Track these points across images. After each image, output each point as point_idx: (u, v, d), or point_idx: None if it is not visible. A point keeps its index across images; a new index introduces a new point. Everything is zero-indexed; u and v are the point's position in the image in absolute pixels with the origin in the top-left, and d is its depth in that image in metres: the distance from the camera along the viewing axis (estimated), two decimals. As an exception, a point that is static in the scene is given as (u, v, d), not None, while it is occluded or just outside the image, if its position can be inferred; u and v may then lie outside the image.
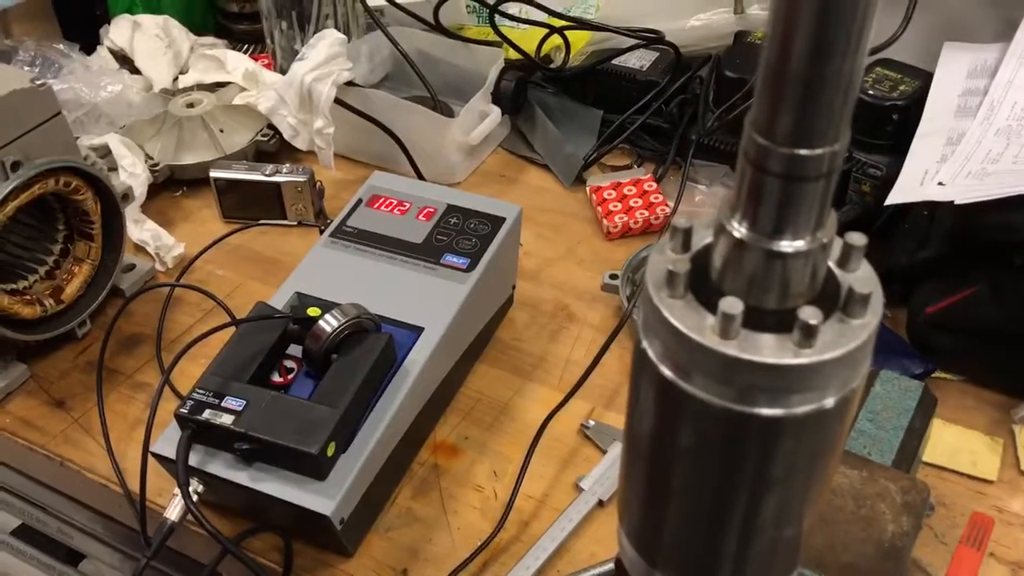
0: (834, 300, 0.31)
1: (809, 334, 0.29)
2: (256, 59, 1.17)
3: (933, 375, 0.81)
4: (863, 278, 0.31)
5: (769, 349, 0.30)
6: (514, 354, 0.86)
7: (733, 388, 0.30)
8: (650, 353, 0.33)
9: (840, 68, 0.26)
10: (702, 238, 0.33)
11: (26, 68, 1.08)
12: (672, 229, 0.33)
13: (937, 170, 0.80)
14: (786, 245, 0.30)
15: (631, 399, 0.36)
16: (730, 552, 0.35)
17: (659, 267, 0.32)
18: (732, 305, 0.29)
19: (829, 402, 0.31)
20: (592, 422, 0.79)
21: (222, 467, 0.66)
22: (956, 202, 0.74)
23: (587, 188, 1.04)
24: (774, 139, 0.28)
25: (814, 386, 0.30)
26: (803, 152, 0.28)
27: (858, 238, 0.31)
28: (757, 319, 0.30)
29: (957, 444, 0.76)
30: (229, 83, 1.13)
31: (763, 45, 0.27)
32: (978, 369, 0.80)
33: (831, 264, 0.32)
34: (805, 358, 0.29)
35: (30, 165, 0.78)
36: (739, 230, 0.30)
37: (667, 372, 0.32)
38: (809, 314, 0.29)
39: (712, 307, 0.31)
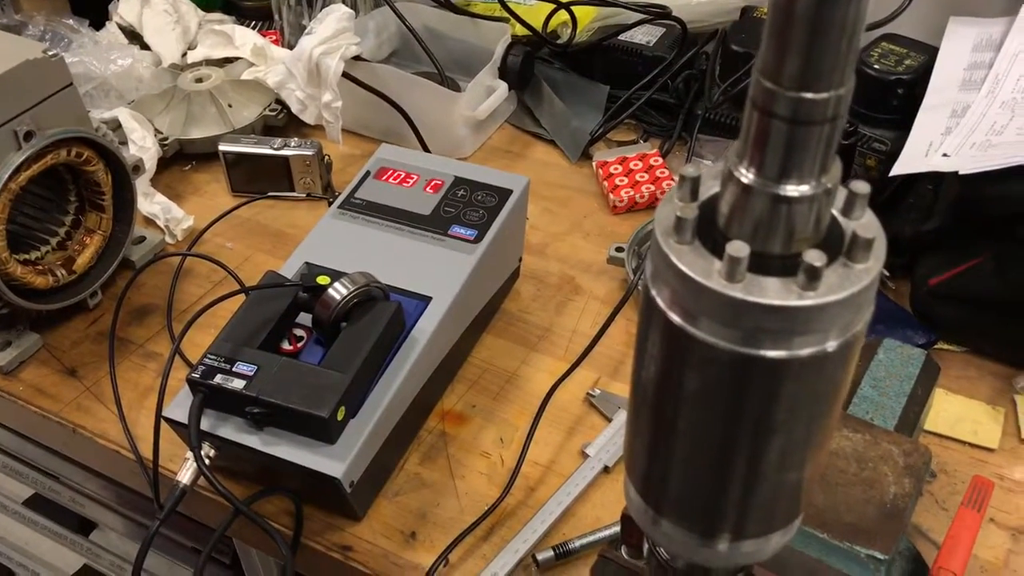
0: (838, 246, 0.32)
1: (813, 276, 0.30)
2: (264, 35, 1.17)
3: (936, 346, 0.82)
4: (866, 224, 0.32)
5: (774, 291, 0.30)
6: (521, 325, 0.87)
7: (739, 331, 0.31)
8: (658, 300, 0.33)
9: (845, 12, 0.27)
10: (710, 187, 0.34)
11: (38, 43, 1.08)
12: (681, 178, 0.33)
13: (942, 142, 0.80)
14: (792, 189, 0.30)
15: (638, 348, 0.36)
16: (734, 497, 0.36)
17: (667, 215, 0.33)
18: (739, 248, 0.30)
19: (831, 345, 0.31)
20: (598, 391, 0.79)
21: (233, 431, 0.68)
22: (960, 172, 0.74)
23: (593, 163, 1.04)
24: (781, 83, 0.28)
25: (817, 329, 0.31)
26: (809, 96, 0.28)
27: (862, 186, 0.32)
28: (763, 264, 0.31)
29: (959, 413, 0.77)
30: (238, 58, 1.14)
31: (771, -11, 0.27)
32: (980, 340, 0.81)
33: (835, 212, 0.33)
34: (809, 300, 0.30)
35: (42, 135, 0.78)
36: (746, 176, 0.31)
37: (675, 318, 0.33)
38: (814, 257, 0.30)
39: (719, 253, 0.31)
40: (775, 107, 0.29)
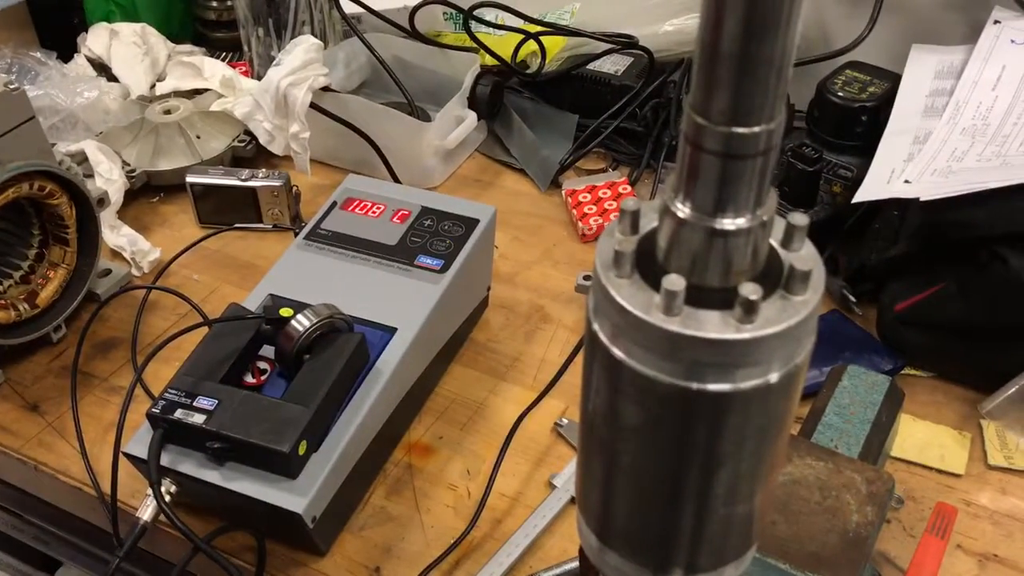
0: (777, 278, 0.32)
1: (750, 310, 0.30)
2: (234, 66, 1.17)
3: (903, 371, 0.82)
4: (805, 256, 0.32)
5: (711, 325, 0.30)
6: (489, 355, 0.87)
7: (679, 364, 0.31)
8: (600, 334, 0.33)
9: (772, 47, 0.27)
10: (650, 221, 0.34)
11: (2, 76, 1.08)
12: (621, 212, 0.33)
13: (904, 168, 0.81)
14: (727, 223, 0.30)
15: (584, 382, 0.36)
16: (684, 530, 0.36)
17: (607, 248, 0.33)
18: (674, 282, 0.30)
19: (773, 377, 0.31)
20: (566, 420, 0.79)
21: (194, 467, 0.67)
22: (921, 199, 0.75)
23: (563, 191, 1.04)
24: (711, 118, 0.28)
25: (758, 361, 0.31)
26: (740, 130, 0.28)
27: (800, 219, 0.32)
28: (701, 297, 0.31)
29: (926, 439, 0.77)
30: (206, 90, 1.14)
31: (699, 25, 0.27)
32: (946, 365, 0.81)
33: (775, 244, 0.33)
34: (746, 333, 0.30)
35: (3, 169, 0.78)
36: (682, 210, 0.31)
37: (616, 352, 0.33)
38: (749, 290, 0.30)
39: (659, 286, 0.31)
40: (706, 142, 0.29)
